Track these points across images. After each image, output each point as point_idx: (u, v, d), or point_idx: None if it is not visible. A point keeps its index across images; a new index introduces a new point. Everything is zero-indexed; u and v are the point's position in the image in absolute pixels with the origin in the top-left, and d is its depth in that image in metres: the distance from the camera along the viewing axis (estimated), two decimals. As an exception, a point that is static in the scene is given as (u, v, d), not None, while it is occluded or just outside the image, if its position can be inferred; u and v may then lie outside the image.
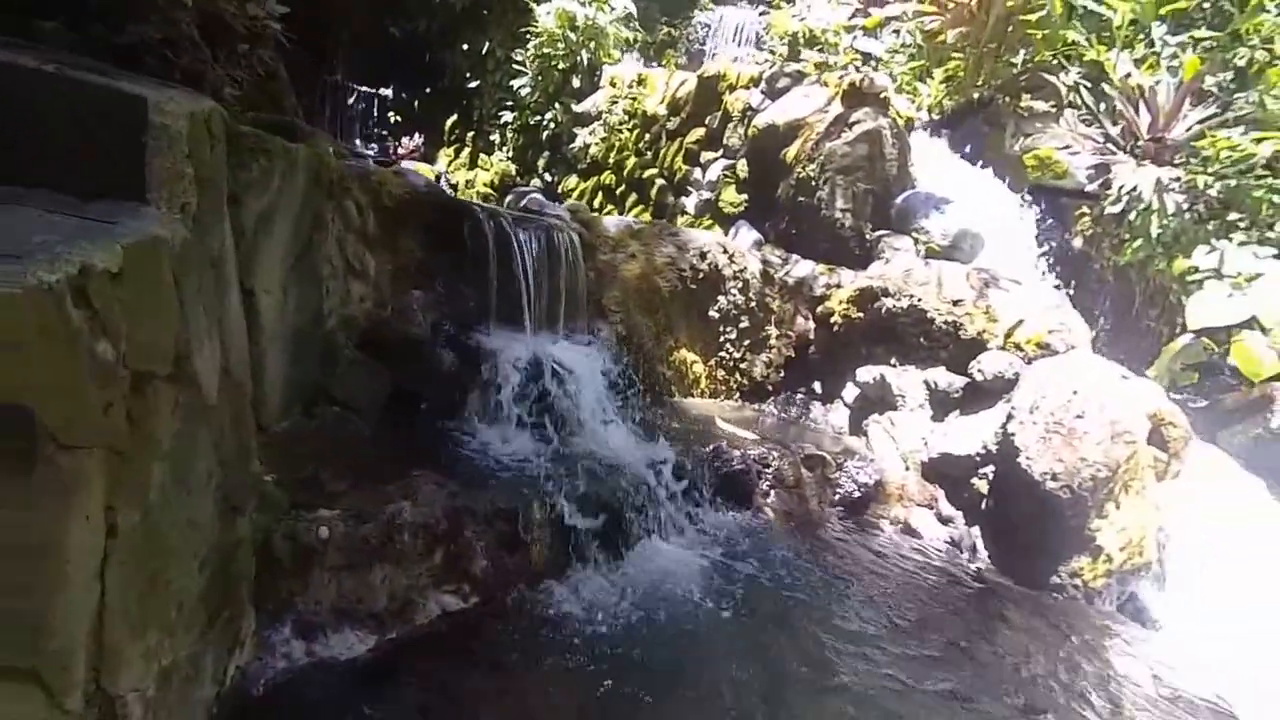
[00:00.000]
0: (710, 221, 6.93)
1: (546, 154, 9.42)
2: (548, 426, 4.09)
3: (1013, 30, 6.67)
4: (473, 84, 9.92)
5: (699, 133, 7.47)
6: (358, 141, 10.12)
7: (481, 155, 9.97)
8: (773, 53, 7.70)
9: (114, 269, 1.53)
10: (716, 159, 7.18)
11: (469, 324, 4.29)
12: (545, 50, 9.18)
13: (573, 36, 9.05)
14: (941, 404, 4.93)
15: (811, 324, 5.67)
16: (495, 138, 9.92)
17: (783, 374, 5.68)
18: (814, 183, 5.95)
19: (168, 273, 1.76)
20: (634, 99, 8.45)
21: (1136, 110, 5.92)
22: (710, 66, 7.63)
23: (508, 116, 9.69)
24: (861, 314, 5.31)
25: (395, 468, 3.25)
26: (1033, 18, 6.43)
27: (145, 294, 1.66)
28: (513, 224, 4.44)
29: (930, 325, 5.05)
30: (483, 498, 3.28)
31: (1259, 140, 5.17)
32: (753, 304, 5.48)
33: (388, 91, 10.69)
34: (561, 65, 9.16)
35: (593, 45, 9.10)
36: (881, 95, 6.05)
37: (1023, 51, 6.75)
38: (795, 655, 3.15)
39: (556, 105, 9.21)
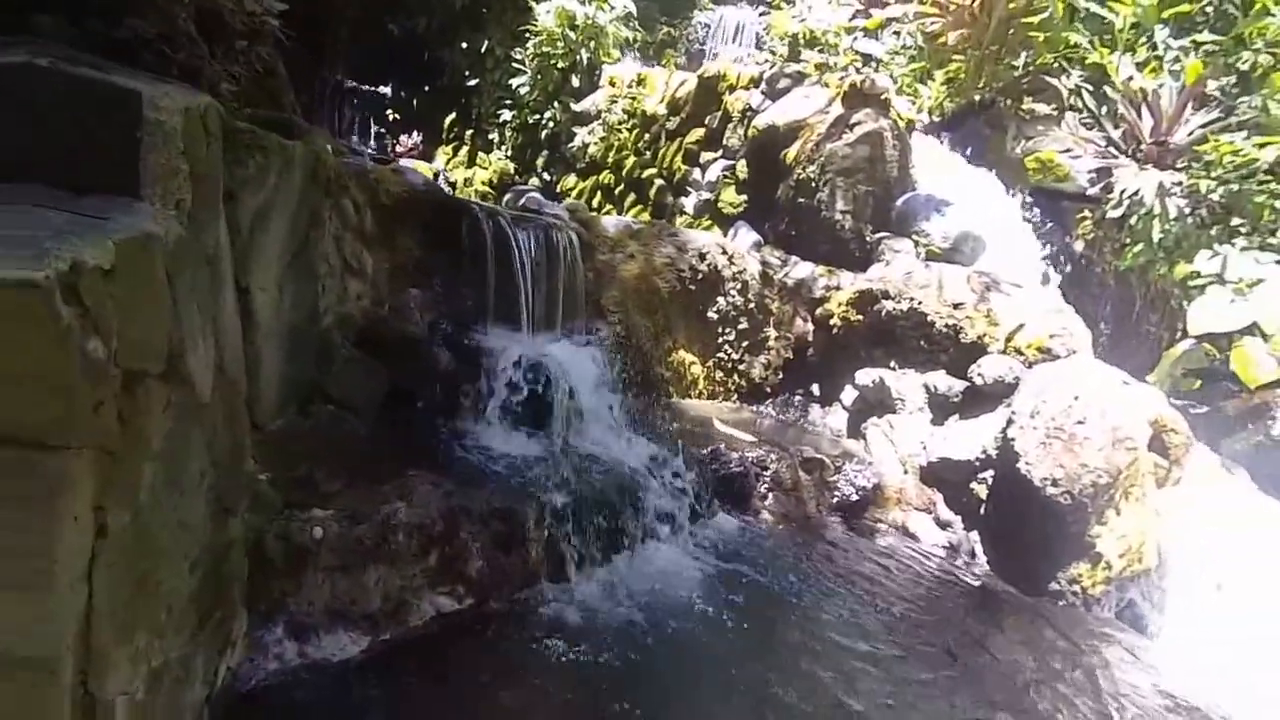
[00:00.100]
0: (709, 222, 6.91)
1: (545, 153, 9.39)
2: (545, 426, 4.07)
3: (1014, 32, 6.66)
4: (471, 82, 9.88)
5: (698, 133, 7.45)
6: (356, 139, 10.08)
7: (480, 154, 9.94)
8: (773, 53, 7.68)
9: (106, 265, 1.51)
10: (716, 159, 7.15)
11: (467, 323, 4.27)
12: (544, 49, 9.14)
13: (572, 35, 9.02)
14: (941, 408, 4.91)
15: (810, 326, 5.65)
16: (494, 136, 9.88)
17: (781, 376, 5.66)
18: (814, 184, 5.93)
19: (161, 270, 1.74)
20: (633, 98, 8.42)
21: (1139, 114, 5.90)
22: (710, 66, 7.60)
23: (506, 115, 9.65)
24: (861, 316, 5.29)
25: (391, 467, 3.22)
26: (1034, 20, 6.41)
27: (138, 291, 1.64)
28: (511, 223, 4.41)
29: (930, 328, 5.03)
30: (479, 498, 3.26)
31: (1262, 145, 5.15)
32: (752, 305, 5.46)
33: (386, 89, 10.65)
34: (561, 64, 9.13)
35: (592, 44, 9.07)
36: (883, 97, 6.03)
37: (1024, 54, 6.73)
38: (791, 660, 3.14)
39: (555, 104, 9.18)
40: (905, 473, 4.76)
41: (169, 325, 1.78)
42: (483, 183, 9.62)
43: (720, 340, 5.45)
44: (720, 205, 6.85)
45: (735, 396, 5.55)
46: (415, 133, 10.62)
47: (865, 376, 5.20)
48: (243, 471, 2.43)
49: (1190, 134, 5.69)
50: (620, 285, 5.07)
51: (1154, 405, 4.22)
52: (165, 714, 1.90)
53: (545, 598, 3.24)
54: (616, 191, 8.34)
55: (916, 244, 5.70)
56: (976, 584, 4.10)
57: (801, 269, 5.72)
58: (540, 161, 9.42)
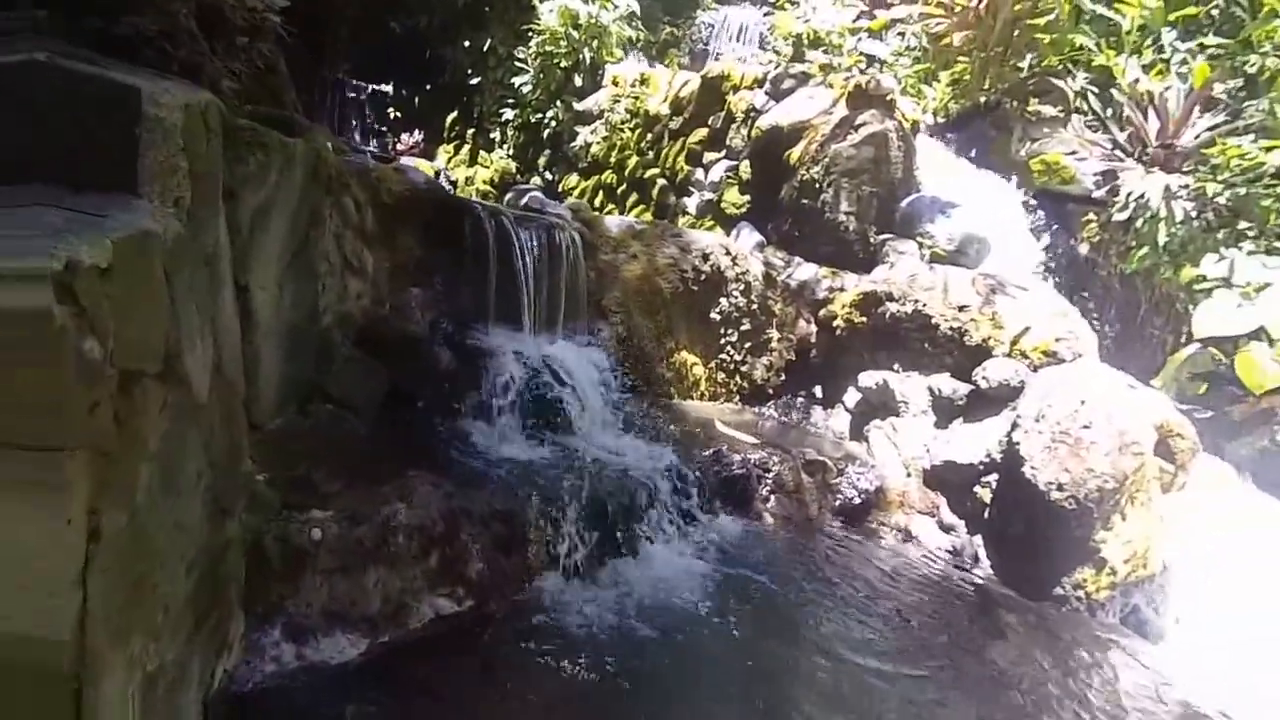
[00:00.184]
0: (712, 222, 6.88)
1: (547, 152, 9.37)
2: (546, 427, 4.05)
3: (1020, 34, 6.62)
4: (474, 81, 9.86)
5: (702, 133, 7.42)
6: (357, 137, 10.05)
7: (481, 153, 9.92)
8: (777, 53, 7.66)
9: (103, 264, 1.48)
10: (719, 160, 7.12)
11: (468, 323, 4.26)
12: (547, 48, 9.12)
13: (575, 34, 8.99)
14: (945, 411, 4.89)
15: (813, 327, 5.62)
16: (496, 135, 9.87)
17: (783, 377, 5.63)
18: (818, 185, 5.90)
19: (159, 268, 1.71)
20: (636, 98, 8.40)
21: (1145, 116, 5.87)
22: (714, 66, 7.57)
23: (509, 114, 9.64)
24: (865, 318, 5.26)
25: (391, 467, 3.20)
26: (1040, 22, 6.38)
27: (135, 290, 1.61)
28: (514, 222, 4.39)
29: (935, 331, 5.00)
30: (480, 499, 3.24)
31: (1269, 149, 5.11)
32: (754, 306, 5.43)
33: (388, 87, 10.62)
34: (564, 63, 9.10)
35: (595, 43, 9.04)
36: (887, 98, 5.99)
37: (1030, 56, 6.70)
38: (792, 664, 3.12)
39: (558, 103, 9.15)
40: (908, 476, 4.74)
41: (166, 325, 1.75)
42: (484, 182, 9.60)
43: (722, 341, 5.42)
44: (723, 206, 6.82)
45: (737, 398, 5.53)
46: (416, 131, 10.60)
47: (868, 379, 5.18)
48: (240, 472, 2.41)
49: (1197, 137, 5.66)
50: (622, 285, 5.04)
51: (1160, 410, 4.19)
52: (161, 718, 1.87)
53: (545, 600, 3.22)
54: (619, 191, 8.32)
55: (921, 246, 5.67)
56: (979, 588, 4.07)
57: (805, 270, 5.70)
58: (542, 161, 9.40)
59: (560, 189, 8.91)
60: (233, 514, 2.27)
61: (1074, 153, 6.17)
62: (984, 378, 4.69)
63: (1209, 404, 5.00)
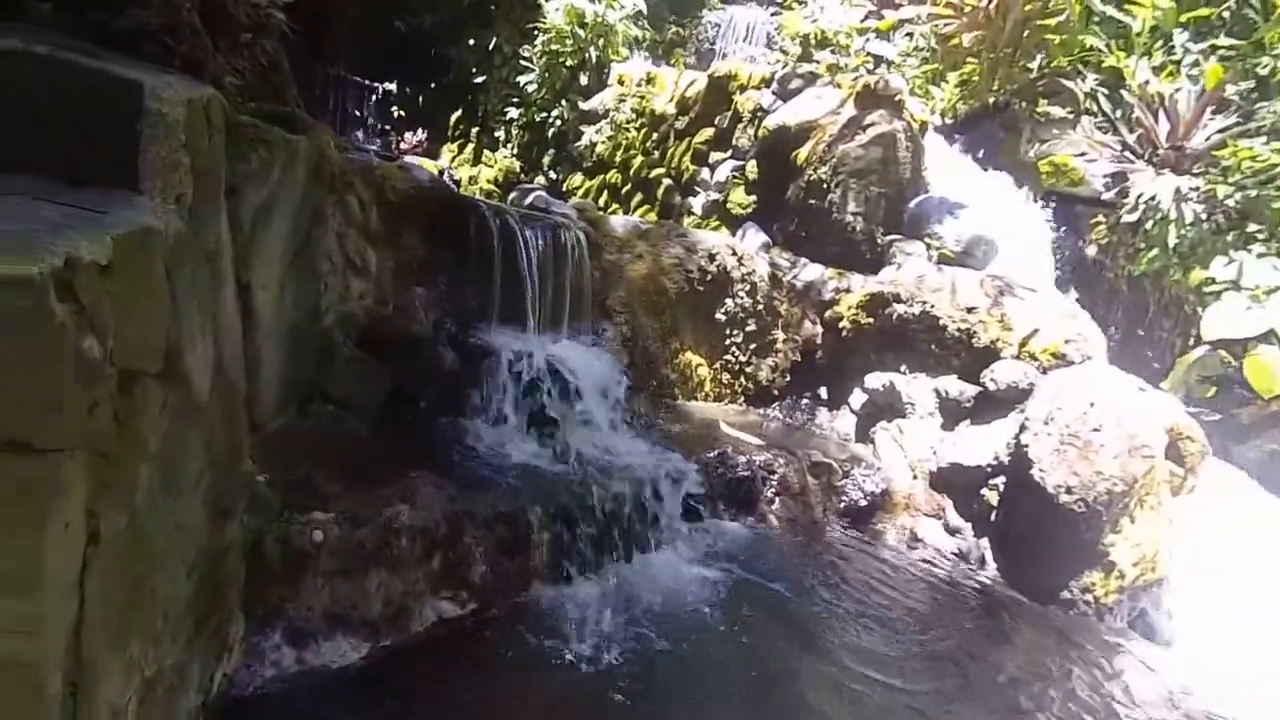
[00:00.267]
0: (717, 223, 6.84)
1: (552, 151, 9.34)
2: (550, 428, 4.02)
3: (1029, 35, 6.57)
4: (478, 79, 9.83)
5: (708, 133, 7.38)
6: (360, 136, 10.03)
7: (486, 152, 9.89)
8: (784, 53, 7.62)
9: (103, 261, 1.45)
10: (725, 159, 7.09)
11: (471, 322, 4.22)
12: (553, 47, 9.09)
13: (581, 33, 8.96)
14: (952, 413, 4.85)
15: (819, 328, 5.58)
16: (500, 134, 9.83)
17: (789, 379, 5.59)
18: (825, 185, 5.86)
19: (160, 266, 1.69)
20: (642, 97, 8.36)
21: (1155, 118, 5.83)
22: (721, 66, 7.53)
23: (513, 113, 9.60)
24: (871, 320, 5.23)
25: (393, 469, 3.17)
26: (1050, 22, 6.32)
27: (135, 288, 1.58)
28: (519, 221, 4.36)
29: (942, 332, 4.96)
30: (483, 501, 3.21)
31: (1280, 151, 5.09)
32: (760, 307, 5.39)
33: (391, 86, 10.59)
34: (569, 62, 9.07)
35: (601, 43, 9.01)
36: (896, 98, 5.95)
37: (1039, 56, 6.64)
38: (796, 668, 3.09)
39: (563, 102, 9.12)
40: (914, 478, 4.70)
41: (167, 323, 1.72)
42: (488, 181, 9.57)
43: (728, 342, 5.39)
44: (729, 206, 6.78)
45: (742, 399, 5.49)
46: (420, 130, 10.58)
47: (875, 380, 5.14)
48: (241, 473, 2.38)
49: (1208, 139, 5.62)
50: (627, 285, 5.01)
51: (1170, 413, 4.15)
52: (159, 723, 1.84)
53: (548, 603, 3.19)
54: (624, 191, 8.28)
55: (928, 247, 5.63)
56: (986, 591, 4.04)
57: (811, 271, 5.66)
58: (547, 160, 9.37)
59: (565, 188, 8.87)
60: (233, 515, 2.25)
61: (1083, 154, 6.13)
62: (992, 380, 4.65)
63: (1217, 407, 4.97)
